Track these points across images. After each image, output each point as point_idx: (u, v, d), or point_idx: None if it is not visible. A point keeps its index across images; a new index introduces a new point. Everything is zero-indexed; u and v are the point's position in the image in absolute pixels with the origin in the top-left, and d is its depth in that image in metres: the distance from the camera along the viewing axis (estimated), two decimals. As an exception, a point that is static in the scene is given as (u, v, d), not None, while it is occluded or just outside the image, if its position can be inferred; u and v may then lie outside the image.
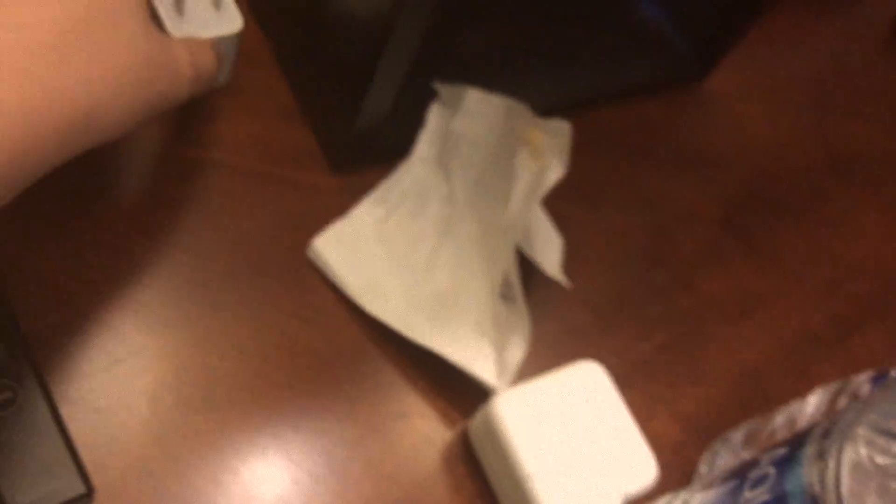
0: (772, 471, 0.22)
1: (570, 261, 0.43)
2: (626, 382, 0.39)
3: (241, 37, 0.35)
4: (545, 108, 0.41)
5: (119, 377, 0.35)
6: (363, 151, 0.41)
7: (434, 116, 0.40)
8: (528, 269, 0.41)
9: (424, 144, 0.40)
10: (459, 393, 0.38)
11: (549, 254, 0.40)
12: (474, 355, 0.36)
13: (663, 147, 0.51)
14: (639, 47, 0.52)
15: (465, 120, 0.39)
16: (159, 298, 0.37)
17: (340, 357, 0.38)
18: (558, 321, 0.43)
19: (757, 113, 0.55)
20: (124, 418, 0.34)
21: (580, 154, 0.49)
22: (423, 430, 0.38)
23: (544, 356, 0.40)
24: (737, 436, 0.38)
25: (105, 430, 0.34)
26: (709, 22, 0.52)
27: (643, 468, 0.35)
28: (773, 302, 0.47)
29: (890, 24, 0.64)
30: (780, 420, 0.36)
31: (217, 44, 0.34)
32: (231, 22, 0.34)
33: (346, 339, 0.39)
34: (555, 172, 0.37)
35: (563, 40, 0.49)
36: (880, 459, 0.18)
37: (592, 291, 0.44)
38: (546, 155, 0.37)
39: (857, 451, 0.19)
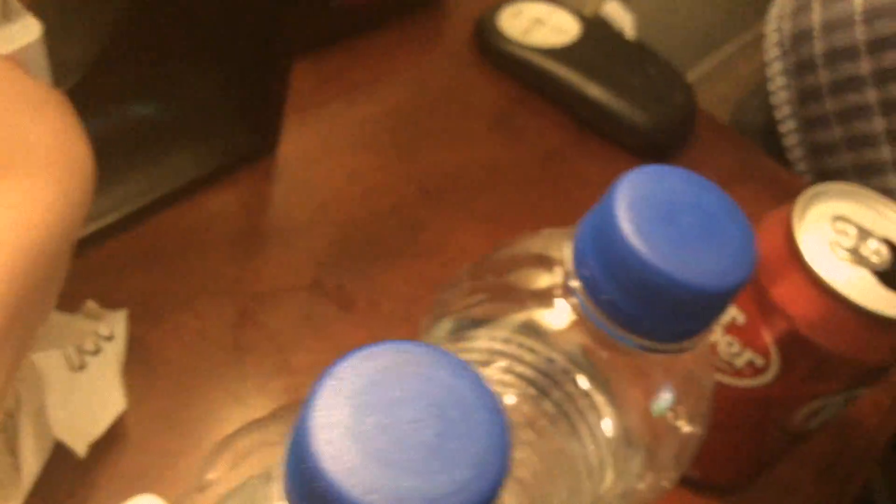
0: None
1: (141, 367, 0.42)
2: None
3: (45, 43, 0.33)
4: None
5: None
6: None
7: None
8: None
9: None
10: None
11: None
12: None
13: (242, 233, 0.51)
14: (190, 140, 0.51)
15: None
16: None
17: None
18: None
19: (336, 166, 0.55)
20: None
21: (149, 265, 0.48)
22: None
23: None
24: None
25: None
26: (249, 94, 0.52)
27: None
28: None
29: (471, 29, 0.65)
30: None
31: (19, 55, 0.32)
32: (29, 30, 0.32)
33: None
34: None
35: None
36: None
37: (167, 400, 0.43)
38: None
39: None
